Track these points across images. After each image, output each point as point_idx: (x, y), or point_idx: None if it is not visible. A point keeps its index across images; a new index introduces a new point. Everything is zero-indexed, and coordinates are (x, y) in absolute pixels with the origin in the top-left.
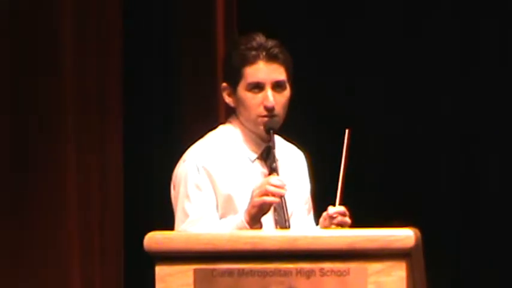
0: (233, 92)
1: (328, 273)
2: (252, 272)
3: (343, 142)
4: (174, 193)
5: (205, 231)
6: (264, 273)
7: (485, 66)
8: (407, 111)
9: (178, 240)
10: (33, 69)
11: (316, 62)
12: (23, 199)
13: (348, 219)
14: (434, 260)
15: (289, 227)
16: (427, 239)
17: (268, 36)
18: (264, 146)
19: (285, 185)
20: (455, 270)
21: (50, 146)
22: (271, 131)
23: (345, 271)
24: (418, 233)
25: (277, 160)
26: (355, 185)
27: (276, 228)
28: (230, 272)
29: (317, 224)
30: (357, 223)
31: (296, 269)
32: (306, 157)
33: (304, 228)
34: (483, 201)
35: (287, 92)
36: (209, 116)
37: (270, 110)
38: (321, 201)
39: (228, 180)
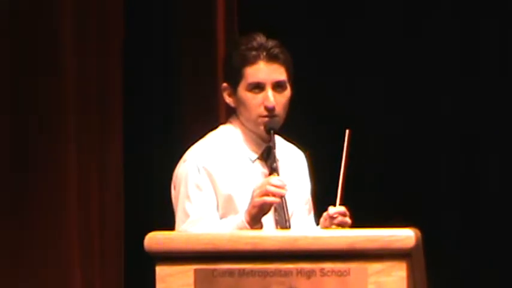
0: (233, 92)
1: (329, 274)
2: (252, 272)
3: (343, 143)
4: (174, 193)
5: (205, 232)
6: (265, 274)
7: (485, 66)
8: (407, 111)
9: (178, 240)
10: (33, 69)
11: (316, 62)
12: (23, 199)
13: (348, 220)
14: (434, 260)
15: (289, 227)
16: (427, 239)
17: (269, 36)
18: (264, 146)
19: (285, 185)
20: (455, 270)
21: (50, 146)
22: (272, 131)
23: (345, 271)
24: (419, 233)
25: (277, 160)
26: (355, 185)
27: (277, 228)
28: (231, 272)
29: (317, 224)
30: (357, 223)
31: (296, 269)
32: (306, 157)
33: (304, 228)
34: (483, 201)
35: (287, 92)
36: (209, 116)
37: (270, 110)
38: (321, 202)
39: (228, 181)
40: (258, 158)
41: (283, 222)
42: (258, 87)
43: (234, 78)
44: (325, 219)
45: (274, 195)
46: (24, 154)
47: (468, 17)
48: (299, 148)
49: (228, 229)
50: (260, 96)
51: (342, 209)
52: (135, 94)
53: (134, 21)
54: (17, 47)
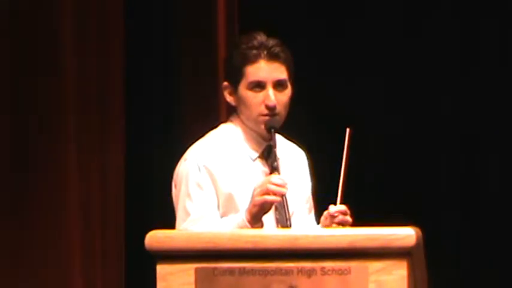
0: (234, 91)
1: (329, 272)
2: (253, 271)
3: (343, 141)
4: (175, 192)
5: (206, 230)
6: (265, 272)
7: (485, 66)
8: (407, 111)
9: (179, 239)
10: (33, 69)
11: (316, 62)
12: (23, 199)
13: (349, 218)
14: (434, 260)
15: (290, 226)
16: (427, 239)
17: (269, 35)
18: (265, 145)
19: (286, 183)
20: (455, 270)
21: (50, 146)
22: (273, 130)
23: (346, 270)
24: (419, 232)
25: (278, 159)
26: (355, 185)
27: (277, 227)
28: (231, 271)
29: (318, 223)
30: (357, 222)
31: (297, 267)
32: (306, 156)
33: (305, 227)
34: (483, 201)
35: (288, 91)
36: (209, 116)
37: (271, 109)
38: (321, 200)
39: (229, 179)
40: (259, 157)
41: (283, 221)
42: (259, 86)
43: (235, 77)
44: (326, 218)
45: (275, 194)
46: (24, 154)
47: (468, 17)
48: (299, 147)
49: (228, 228)
50: (261, 95)
51: (343, 207)
52: (135, 94)
53: (134, 21)
54: (17, 47)
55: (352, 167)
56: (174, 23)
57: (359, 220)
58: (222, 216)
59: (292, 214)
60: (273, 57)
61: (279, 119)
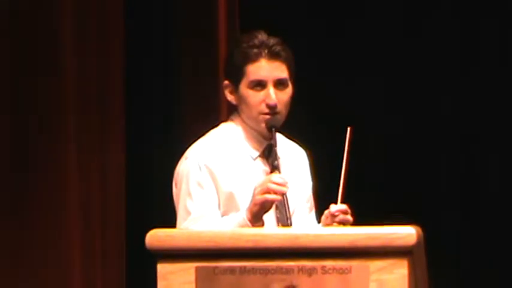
0: (235, 90)
1: (330, 271)
2: (253, 270)
3: (344, 140)
4: (176, 191)
5: (207, 229)
6: (266, 271)
7: (485, 66)
8: (407, 111)
9: (180, 237)
10: (33, 69)
11: (316, 62)
12: (23, 199)
13: (349, 217)
14: (434, 259)
15: (291, 225)
16: (427, 239)
17: (269, 35)
18: (265, 143)
19: (286, 182)
20: (455, 270)
21: (50, 146)
22: (273, 129)
23: (346, 269)
24: (420, 231)
25: (279, 158)
26: (355, 184)
27: (278, 226)
28: (232, 270)
29: (319, 222)
30: (357, 222)
31: (298, 266)
32: (307, 155)
33: (305, 226)
34: (483, 201)
35: (289, 90)
36: (209, 115)
37: (272, 108)
38: (322, 200)
39: (229, 178)
40: (260, 156)
41: (284, 220)
42: (260, 84)
43: (236, 76)
44: (327, 217)
45: (275, 192)
46: (24, 154)
47: (468, 17)
48: (300, 146)
49: (229, 227)
50: (262, 94)
51: (344, 206)
52: (135, 94)
53: (134, 21)
54: (17, 47)
55: (353, 167)
56: (174, 23)
57: (359, 220)
58: (222, 215)
59: (293, 213)
60: (273, 56)
61: (280, 118)
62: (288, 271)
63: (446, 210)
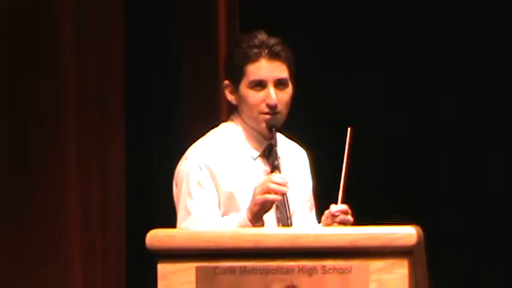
0: (235, 90)
1: (330, 271)
2: (254, 270)
3: (345, 140)
4: (176, 191)
5: (207, 229)
6: (266, 271)
7: (485, 66)
8: (407, 111)
9: (180, 237)
10: (33, 69)
11: (316, 62)
12: (23, 199)
13: (350, 218)
14: (434, 259)
15: (291, 225)
16: (427, 239)
17: (270, 35)
18: (266, 143)
19: (287, 182)
20: (455, 270)
21: (50, 146)
22: (274, 129)
23: (347, 269)
24: (420, 231)
25: (279, 158)
26: (355, 184)
27: (278, 226)
28: (232, 270)
29: (319, 222)
30: (357, 222)
31: (298, 266)
32: (307, 155)
33: (306, 225)
34: (483, 201)
35: (289, 90)
36: (209, 115)
37: (272, 108)
38: (322, 200)
39: (230, 178)
40: (260, 156)
41: (284, 220)
42: (260, 84)
43: (236, 76)
44: (327, 217)
45: (275, 192)
46: (24, 154)
47: (468, 17)
48: (300, 146)
49: (229, 227)
50: (262, 94)
51: (344, 207)
52: (135, 94)
53: (134, 21)
54: (17, 47)
55: (353, 167)
56: (174, 23)
57: (359, 220)
58: (223, 215)
59: (293, 213)
60: (274, 56)
61: (280, 118)
62: (288, 271)
63: (446, 210)
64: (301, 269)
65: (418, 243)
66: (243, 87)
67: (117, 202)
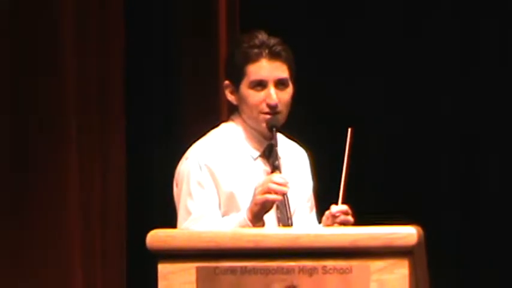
0: (236, 90)
1: (331, 271)
2: (254, 270)
3: (345, 141)
4: (176, 191)
5: (207, 229)
6: (267, 271)
7: (485, 66)
8: (407, 111)
9: (180, 238)
10: (33, 69)
11: (316, 62)
12: (23, 199)
13: (350, 218)
14: (434, 259)
15: (291, 225)
16: (427, 239)
17: (270, 35)
18: (266, 143)
19: (287, 182)
20: (455, 270)
21: (50, 146)
22: (274, 129)
23: (347, 269)
24: (421, 231)
25: (279, 158)
26: (355, 185)
27: (279, 226)
28: (233, 270)
29: (319, 223)
30: (358, 222)
31: (298, 266)
32: (308, 155)
33: (306, 226)
34: (483, 201)
35: (290, 90)
36: (209, 116)
37: (272, 108)
38: (322, 200)
39: (230, 178)
40: (260, 156)
41: (285, 220)
42: (260, 84)
43: (236, 76)
44: (328, 218)
45: (276, 192)
46: (24, 154)
47: (468, 17)
48: (301, 146)
49: (230, 227)
50: (262, 94)
51: (345, 207)
52: (135, 94)
53: (134, 21)
54: (17, 47)
55: (353, 167)
56: (174, 23)
57: (359, 220)
58: (223, 215)
59: (294, 213)
60: (274, 56)
61: (281, 118)
62: (288, 271)
63: (446, 210)
64: (302, 269)
65: (419, 243)
66: (244, 87)
67: (118, 202)
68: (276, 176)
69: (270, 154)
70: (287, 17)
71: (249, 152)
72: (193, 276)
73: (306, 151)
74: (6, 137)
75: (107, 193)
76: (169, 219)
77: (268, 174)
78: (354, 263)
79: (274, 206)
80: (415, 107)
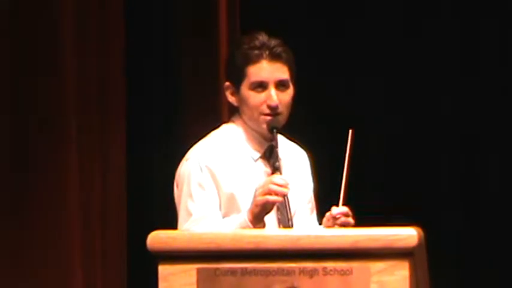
0: (236, 91)
1: (331, 273)
2: (255, 271)
3: (346, 143)
4: (177, 192)
5: (208, 230)
6: (267, 273)
7: (485, 66)
8: (407, 111)
9: (181, 239)
10: (33, 69)
11: (316, 62)
12: (23, 199)
13: (351, 220)
14: (434, 260)
15: (292, 226)
16: (427, 239)
17: (270, 35)
18: (267, 145)
19: (288, 184)
20: (455, 270)
21: (50, 146)
22: (275, 130)
23: (347, 270)
24: (421, 232)
25: (280, 159)
26: (355, 185)
27: (279, 227)
28: (233, 271)
29: (320, 224)
30: (359, 223)
31: (299, 268)
32: (308, 156)
33: (307, 227)
34: (483, 201)
35: (290, 91)
36: (210, 116)
37: (273, 109)
38: (323, 202)
39: (231, 179)
40: (261, 157)
41: (285, 221)
42: (261, 86)
43: (237, 77)
44: (328, 220)
45: (276, 194)
46: (24, 154)
47: (468, 17)
48: (301, 147)
49: (230, 228)
50: (263, 95)
51: (345, 209)
52: (135, 94)
53: (134, 21)
54: (17, 47)
55: (353, 168)
56: (174, 23)
57: (359, 221)
58: (223, 217)
59: (294, 214)
60: (275, 57)
61: (281, 119)
62: (289, 272)
63: (446, 210)
64: (302, 271)
65: (419, 244)
66: (244, 89)
67: (118, 202)
68: (276, 177)
69: (270, 155)
70: (287, 17)
71: (250, 153)
72: (193, 278)
73: (306, 152)
74: (6, 137)
75: (107, 193)
76: (170, 220)
77: (268, 175)
78: (355, 265)
79: (275, 208)
80: (415, 107)
